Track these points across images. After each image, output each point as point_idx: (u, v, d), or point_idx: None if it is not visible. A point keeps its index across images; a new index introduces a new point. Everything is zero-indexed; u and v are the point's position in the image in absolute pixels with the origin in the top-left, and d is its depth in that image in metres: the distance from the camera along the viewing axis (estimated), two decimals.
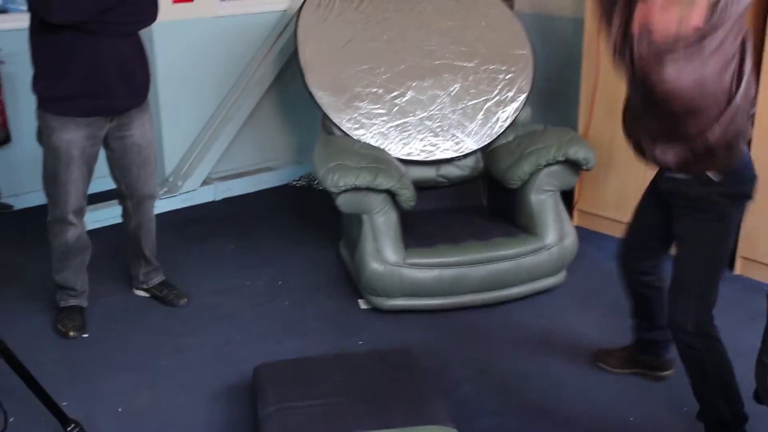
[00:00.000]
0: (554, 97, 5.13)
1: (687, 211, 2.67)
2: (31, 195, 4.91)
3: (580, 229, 4.24)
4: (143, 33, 3.54)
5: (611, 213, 4.54)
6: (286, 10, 5.46)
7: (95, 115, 3.41)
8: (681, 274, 2.71)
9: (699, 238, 2.67)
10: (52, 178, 3.47)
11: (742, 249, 4.09)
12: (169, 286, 3.95)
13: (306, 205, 5.26)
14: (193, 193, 5.25)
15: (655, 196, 2.84)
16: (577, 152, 3.79)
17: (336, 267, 4.29)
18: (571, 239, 3.87)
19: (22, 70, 3.95)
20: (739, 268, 4.13)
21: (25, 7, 3.42)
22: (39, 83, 3.40)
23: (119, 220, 3.91)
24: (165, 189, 5.15)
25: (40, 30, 3.30)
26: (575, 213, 4.74)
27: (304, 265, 4.35)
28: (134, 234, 3.81)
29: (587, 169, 3.86)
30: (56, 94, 3.36)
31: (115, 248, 4.17)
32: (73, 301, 3.71)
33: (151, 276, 3.94)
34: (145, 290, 3.95)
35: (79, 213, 3.57)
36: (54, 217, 3.55)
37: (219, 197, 5.38)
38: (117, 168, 3.64)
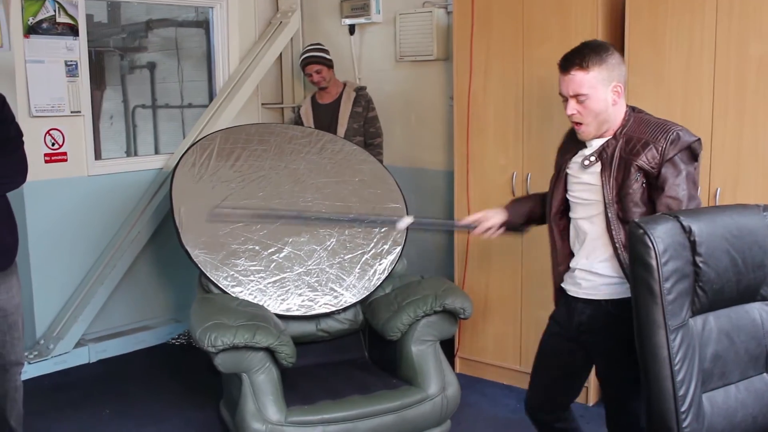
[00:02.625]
0: (429, 248, 5.26)
1: None
2: None
3: (462, 377, 4.28)
4: (12, 192, 3.46)
5: (491, 359, 4.61)
6: (162, 168, 5.49)
7: None
8: None
9: None
10: None
11: None
12: None
13: (185, 364, 5.12)
14: (66, 355, 5.05)
15: None
16: (453, 302, 3.86)
17: (217, 428, 4.15)
18: (453, 388, 3.88)
19: None
20: None
21: None
22: None
23: None
24: (35, 352, 4.94)
25: None
26: (457, 361, 4.78)
27: (185, 429, 4.20)
28: None
29: (464, 318, 3.93)
30: None
31: None
32: None
33: None
34: None
35: None
36: None
37: (93, 359, 5.19)
38: None
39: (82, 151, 5.14)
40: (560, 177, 2.87)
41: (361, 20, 5.65)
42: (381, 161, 4.96)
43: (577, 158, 2.80)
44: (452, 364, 4.42)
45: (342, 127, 5.28)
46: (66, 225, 5.09)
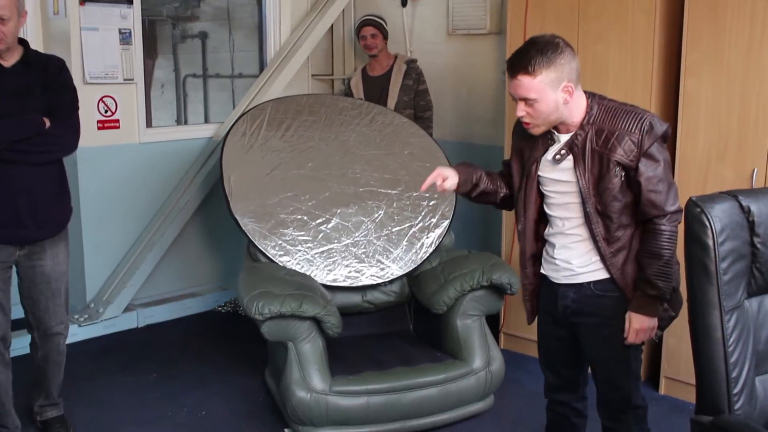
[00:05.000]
0: (477, 222, 5.24)
1: None
2: None
3: (506, 353, 4.26)
4: (66, 158, 3.52)
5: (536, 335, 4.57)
6: (211, 137, 5.52)
7: (3, 243, 3.34)
8: None
9: None
10: None
11: (666, 369, 4.15)
12: (61, 424, 3.74)
13: (231, 331, 5.18)
14: (115, 319, 5.13)
15: None
16: (500, 277, 3.84)
17: (261, 395, 4.20)
18: (497, 363, 3.87)
19: None
20: (663, 389, 4.18)
21: None
22: None
23: (28, 350, 3.76)
24: (86, 315, 5.03)
25: None
26: (501, 336, 4.77)
27: (229, 394, 4.25)
28: (41, 366, 3.66)
29: (511, 294, 3.91)
30: None
31: (24, 383, 3.97)
32: None
33: (46, 410, 3.74)
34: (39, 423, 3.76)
35: (1, 343, 3.43)
36: None
37: (141, 324, 5.27)
38: (26, 297, 3.54)
39: (134, 119, 5.20)
40: (531, 180, 2.79)
41: None
42: (431, 134, 4.93)
43: (548, 155, 2.74)
44: (497, 339, 4.41)
45: (392, 99, 5.26)
46: (117, 191, 5.16)
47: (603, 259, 2.69)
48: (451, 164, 4.44)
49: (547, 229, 2.84)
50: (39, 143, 3.30)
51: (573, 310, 2.80)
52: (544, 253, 2.88)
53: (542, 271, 2.89)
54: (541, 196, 2.81)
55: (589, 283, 2.75)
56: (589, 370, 2.95)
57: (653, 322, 2.66)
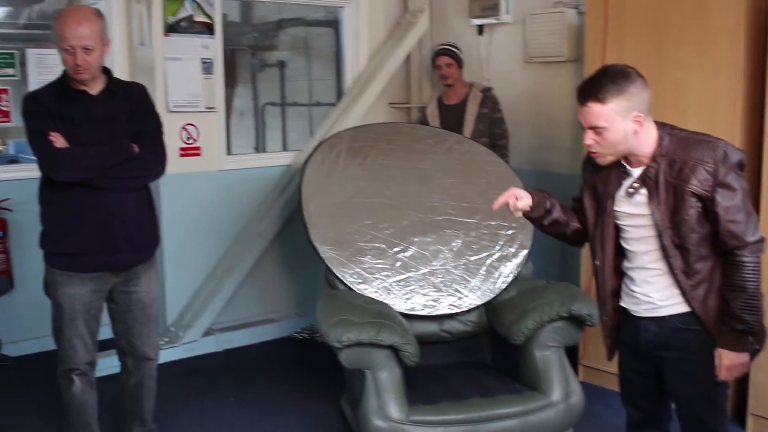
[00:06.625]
0: (555, 252, 5.18)
1: None
2: (30, 342, 4.91)
3: (586, 385, 4.18)
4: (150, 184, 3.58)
5: (617, 368, 4.48)
6: (290, 165, 5.60)
7: (100, 270, 3.41)
8: None
9: None
10: (57, 332, 3.46)
11: (753, 406, 4.02)
12: None
13: (308, 358, 5.22)
14: (194, 343, 5.22)
15: None
16: (580, 308, 3.79)
17: (337, 423, 4.21)
18: (577, 396, 3.80)
19: (29, 218, 4.03)
20: (750, 428, 4.05)
21: (33, 157, 3.45)
22: (46, 239, 3.42)
23: (114, 371, 3.83)
24: (166, 339, 5.12)
25: (48, 187, 3.35)
26: (580, 368, 4.69)
27: (305, 420, 4.27)
28: (133, 392, 3.70)
29: (591, 325, 3.85)
30: (62, 250, 3.37)
31: (110, 401, 4.07)
32: None
33: None
34: None
35: (87, 367, 3.51)
36: (61, 370, 3.50)
37: (220, 348, 5.35)
38: (119, 323, 3.60)
39: (215, 146, 5.31)
40: (607, 216, 2.74)
41: (491, 20, 5.62)
42: (507, 162, 4.91)
43: (621, 191, 2.69)
44: (576, 371, 4.34)
45: (468, 127, 5.26)
46: (198, 217, 5.26)
47: (683, 293, 2.63)
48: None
49: (625, 263, 2.79)
50: (130, 169, 3.35)
51: (655, 344, 2.74)
52: (623, 286, 2.82)
53: (622, 304, 2.83)
54: (618, 230, 2.77)
55: (671, 316, 2.68)
56: (673, 406, 2.88)
57: (744, 357, 2.59)
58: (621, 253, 2.79)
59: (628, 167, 2.67)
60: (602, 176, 2.75)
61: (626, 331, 2.85)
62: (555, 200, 2.91)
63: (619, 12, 4.35)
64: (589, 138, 2.61)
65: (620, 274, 2.82)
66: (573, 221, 2.93)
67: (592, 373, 4.68)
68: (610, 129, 2.55)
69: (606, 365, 4.56)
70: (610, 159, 2.65)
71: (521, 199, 2.85)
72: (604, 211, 2.75)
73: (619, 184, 2.70)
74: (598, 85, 2.54)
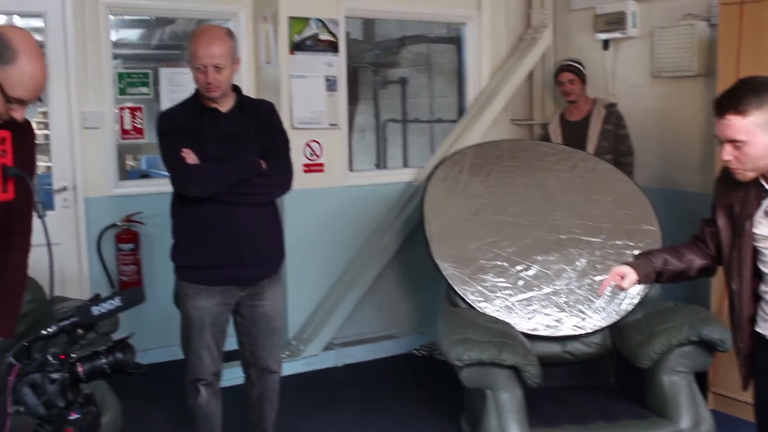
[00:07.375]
0: None
1: None
2: (157, 351, 5.09)
3: (716, 414, 4.01)
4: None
5: (750, 396, 4.29)
6: (411, 182, 5.62)
7: (228, 284, 3.49)
8: None
9: None
10: (185, 343, 3.56)
11: None
12: None
13: (427, 375, 5.21)
14: (314, 357, 5.29)
15: None
16: (711, 332, 3.65)
17: None
18: (707, 425, 3.66)
19: (159, 231, 4.17)
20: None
21: (165, 172, 3.58)
22: (176, 252, 3.54)
23: (238, 382, 3.90)
24: (287, 352, 5.20)
25: (179, 202, 3.47)
26: (710, 396, 4.50)
27: None
28: (256, 403, 3.75)
29: (723, 351, 3.70)
30: (192, 263, 3.47)
31: (233, 411, 4.15)
32: None
33: None
34: None
35: (213, 377, 3.59)
36: (188, 379, 3.60)
37: (340, 363, 5.40)
38: (244, 335, 3.66)
39: (337, 163, 5.38)
40: (746, 238, 2.59)
41: (616, 35, 5.50)
42: (632, 180, 4.79)
43: (760, 212, 2.55)
44: (705, 398, 4.17)
45: (591, 144, 5.16)
46: (320, 233, 5.34)
47: None
48: (656, 213, 4.31)
49: (762, 287, 2.65)
50: (258, 184, 3.42)
51: None
52: (759, 311, 2.69)
53: (758, 329, 2.70)
54: (756, 253, 2.64)
55: None
56: None
57: None
58: (758, 277, 2.66)
59: (767, 186, 2.55)
60: (739, 196, 2.63)
61: (763, 358, 2.72)
62: (663, 256, 2.80)
63: (754, 23, 4.18)
64: (728, 153, 2.49)
65: (757, 299, 2.69)
66: (695, 261, 2.81)
67: (723, 401, 4.48)
68: (751, 143, 2.43)
69: (739, 393, 4.36)
70: (750, 175, 2.53)
71: (626, 277, 2.75)
72: (742, 232, 2.63)
73: (759, 205, 2.57)
74: (738, 96, 2.43)
